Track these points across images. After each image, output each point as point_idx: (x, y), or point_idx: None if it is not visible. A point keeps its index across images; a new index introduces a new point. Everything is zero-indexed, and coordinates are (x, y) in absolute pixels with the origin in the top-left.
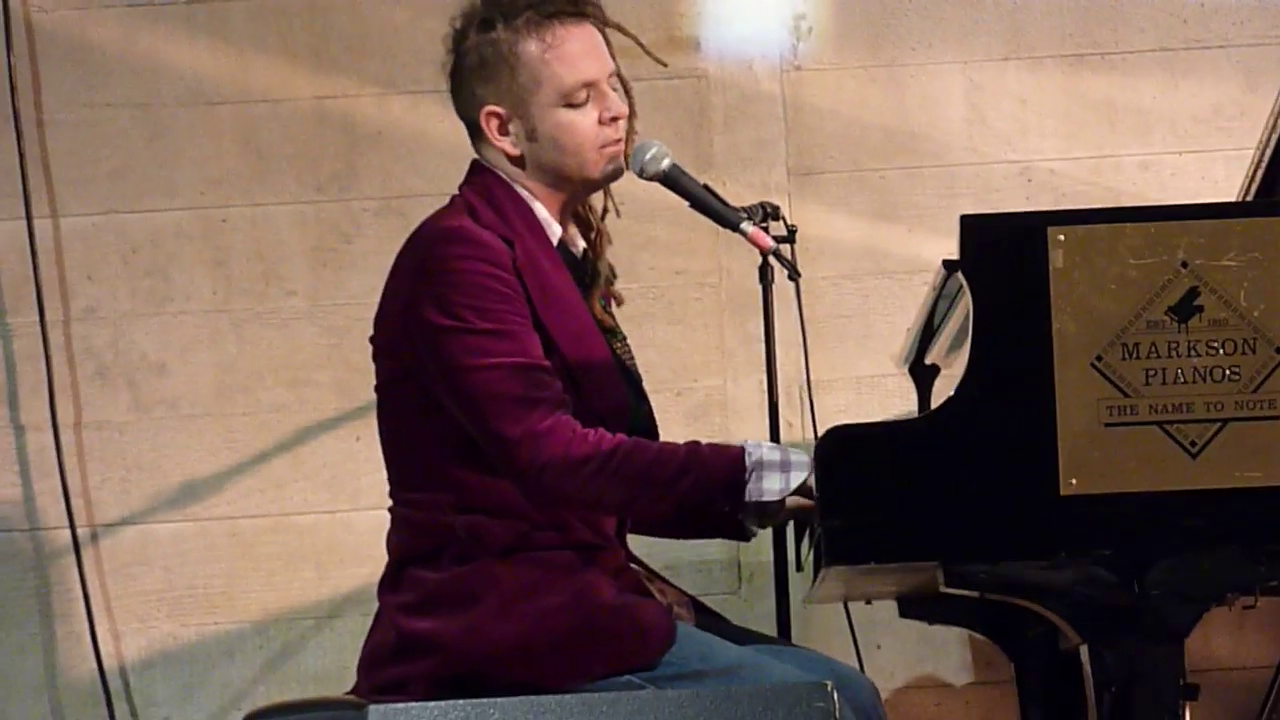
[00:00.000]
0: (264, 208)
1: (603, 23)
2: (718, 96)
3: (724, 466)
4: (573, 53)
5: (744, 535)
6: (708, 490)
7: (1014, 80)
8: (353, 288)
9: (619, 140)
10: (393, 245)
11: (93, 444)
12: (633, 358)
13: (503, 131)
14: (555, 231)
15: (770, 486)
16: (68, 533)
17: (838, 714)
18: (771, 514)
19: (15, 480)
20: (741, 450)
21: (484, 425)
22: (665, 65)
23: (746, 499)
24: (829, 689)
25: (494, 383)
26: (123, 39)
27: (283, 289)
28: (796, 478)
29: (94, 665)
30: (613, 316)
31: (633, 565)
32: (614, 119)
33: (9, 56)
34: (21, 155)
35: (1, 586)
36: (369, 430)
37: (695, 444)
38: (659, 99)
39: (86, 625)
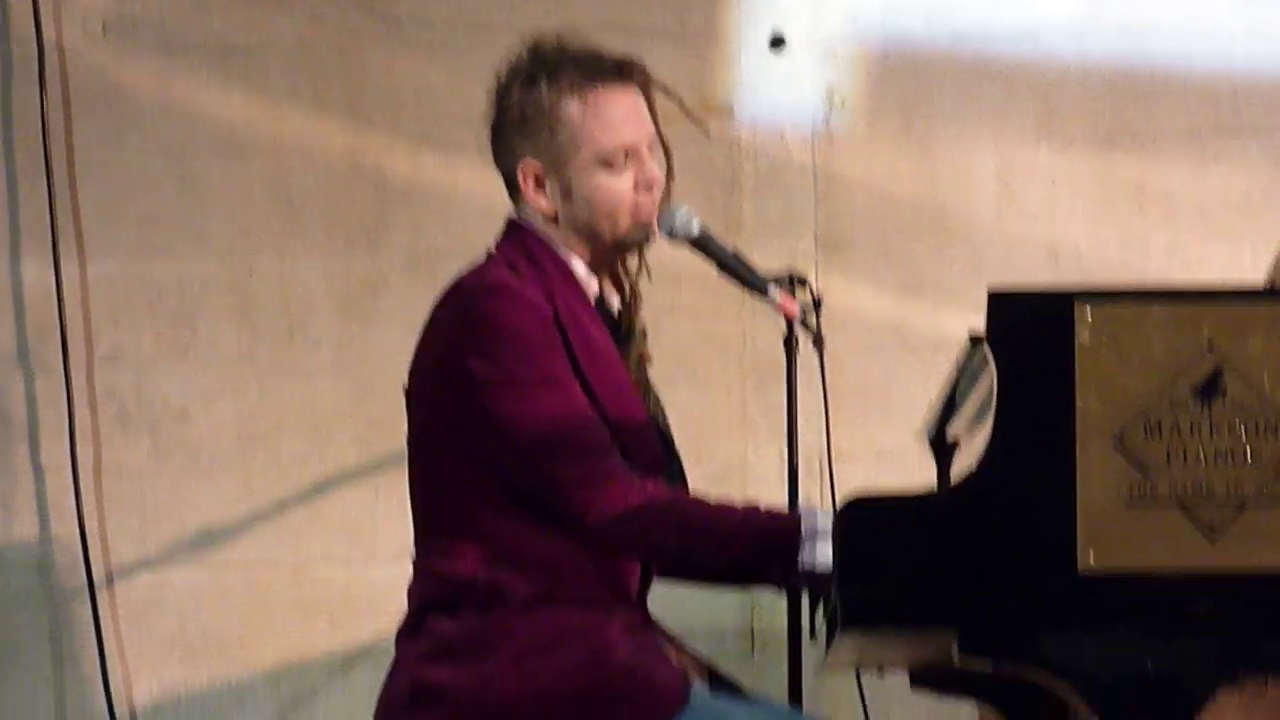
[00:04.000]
0: (292, 259)
1: (647, 85)
2: (749, 164)
3: (780, 532)
4: (614, 116)
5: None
6: (762, 553)
7: (1045, 160)
8: (377, 342)
9: (652, 204)
10: (420, 301)
11: (112, 488)
12: (665, 417)
13: (539, 188)
14: (592, 288)
15: (825, 556)
16: (83, 576)
17: None
18: (823, 582)
19: (33, 522)
20: (798, 517)
21: (540, 472)
22: (708, 132)
23: (800, 567)
24: None
25: (549, 431)
26: (157, 86)
27: (308, 340)
28: None
29: (105, 709)
30: (645, 375)
31: (650, 627)
32: (649, 185)
33: (42, 100)
34: (51, 199)
35: (16, 628)
36: (388, 484)
37: (753, 507)
38: (690, 164)
39: (99, 669)
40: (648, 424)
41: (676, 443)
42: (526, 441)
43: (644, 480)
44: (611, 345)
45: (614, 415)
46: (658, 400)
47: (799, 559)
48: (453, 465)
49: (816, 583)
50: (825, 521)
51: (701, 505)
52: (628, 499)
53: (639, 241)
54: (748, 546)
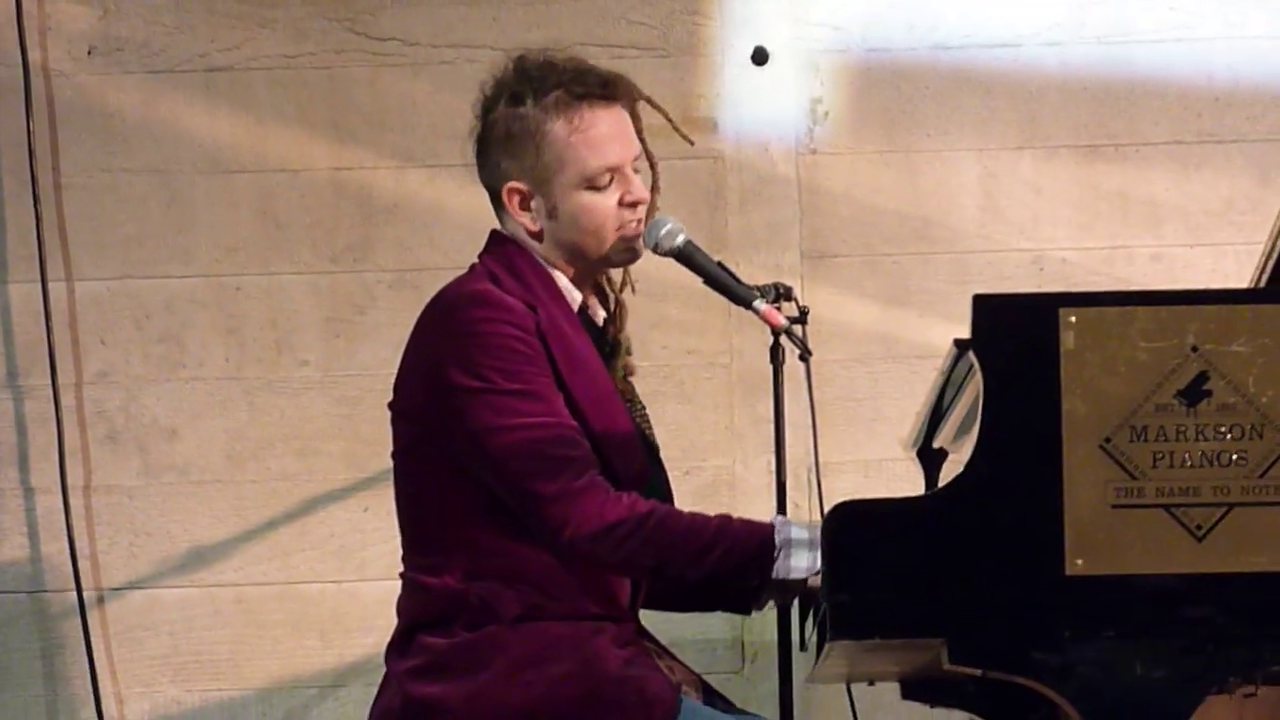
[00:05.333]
0: (279, 277)
1: (634, 100)
2: (733, 178)
3: (755, 541)
4: (599, 136)
5: (746, 609)
6: (738, 563)
7: (1028, 169)
8: (365, 359)
9: (638, 222)
10: (406, 318)
11: (101, 508)
12: (651, 427)
13: (524, 206)
14: (576, 298)
15: (799, 564)
16: (74, 595)
17: None
18: (792, 591)
19: (23, 542)
20: (771, 527)
21: (516, 485)
22: (693, 143)
23: (775, 575)
24: None
25: (525, 444)
26: (141, 105)
27: (295, 358)
28: None
29: None
30: (631, 387)
31: (642, 639)
32: (634, 204)
33: (28, 120)
34: (38, 218)
35: (7, 648)
36: (377, 501)
37: (726, 517)
38: (675, 179)
39: (91, 688)
40: (632, 435)
41: (664, 455)
42: (503, 454)
43: (619, 493)
44: (596, 356)
45: (597, 426)
46: (643, 413)
47: (774, 568)
48: (438, 479)
49: (786, 591)
50: (799, 531)
51: (677, 516)
52: (603, 513)
53: (625, 260)
54: (722, 556)
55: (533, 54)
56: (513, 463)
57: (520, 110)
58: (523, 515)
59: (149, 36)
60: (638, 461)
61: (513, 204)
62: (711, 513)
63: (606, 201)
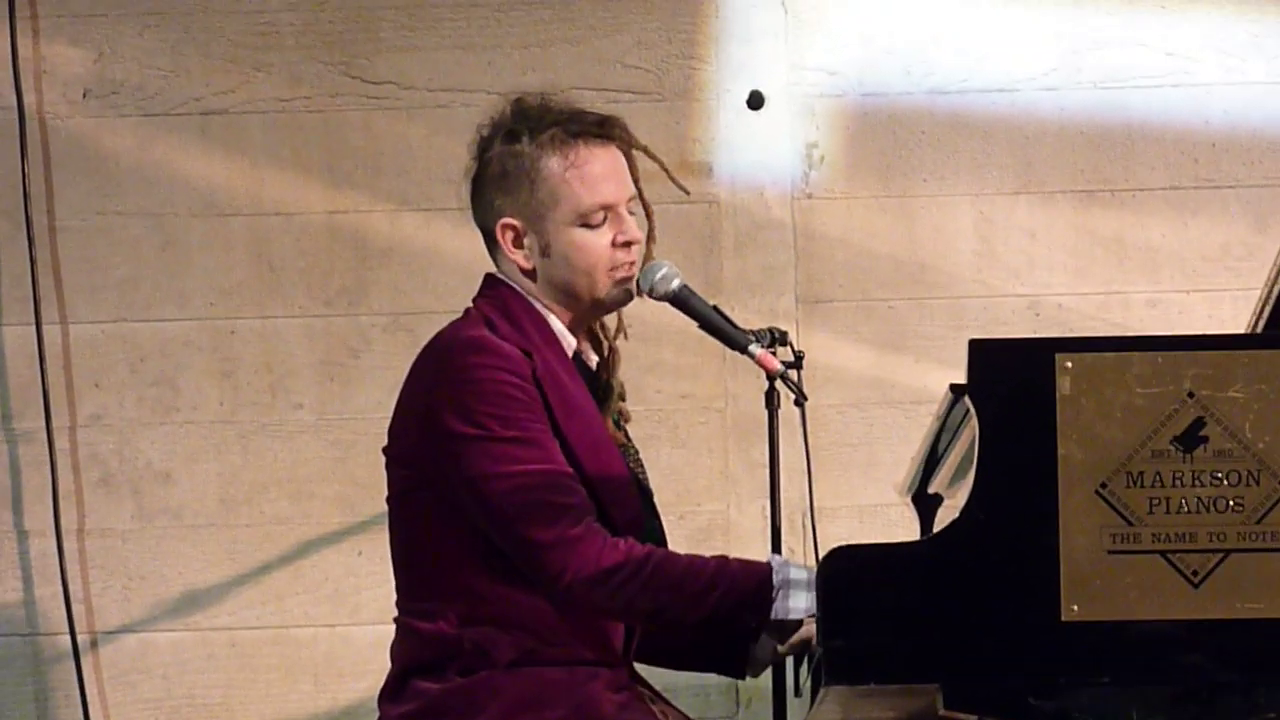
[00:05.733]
0: (273, 320)
1: (628, 145)
2: (729, 222)
3: (752, 583)
4: (594, 174)
5: (741, 672)
6: (735, 606)
7: (1024, 214)
8: (359, 402)
9: (631, 264)
10: (401, 361)
11: (95, 551)
12: (645, 472)
13: (517, 244)
14: (570, 343)
15: (796, 605)
16: (68, 639)
17: None
18: (790, 632)
19: (17, 585)
20: (769, 567)
21: (512, 532)
22: (688, 192)
23: (773, 616)
24: None
25: (522, 490)
26: (136, 148)
27: (290, 402)
28: None
29: None
30: (625, 432)
31: (636, 685)
32: (627, 244)
33: (23, 163)
34: (33, 261)
35: (1, 691)
36: (371, 545)
37: (724, 558)
38: (670, 223)
39: None
40: (627, 481)
41: (658, 500)
42: (500, 501)
43: (616, 539)
44: (590, 401)
45: (592, 472)
46: (638, 458)
47: (772, 609)
48: (433, 524)
49: (784, 632)
50: (798, 572)
51: (674, 559)
52: (600, 559)
53: (618, 302)
54: (720, 599)
55: (530, 96)
56: (509, 510)
57: (516, 147)
58: (520, 562)
59: (144, 80)
60: (632, 508)
61: (506, 241)
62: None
63: (600, 240)
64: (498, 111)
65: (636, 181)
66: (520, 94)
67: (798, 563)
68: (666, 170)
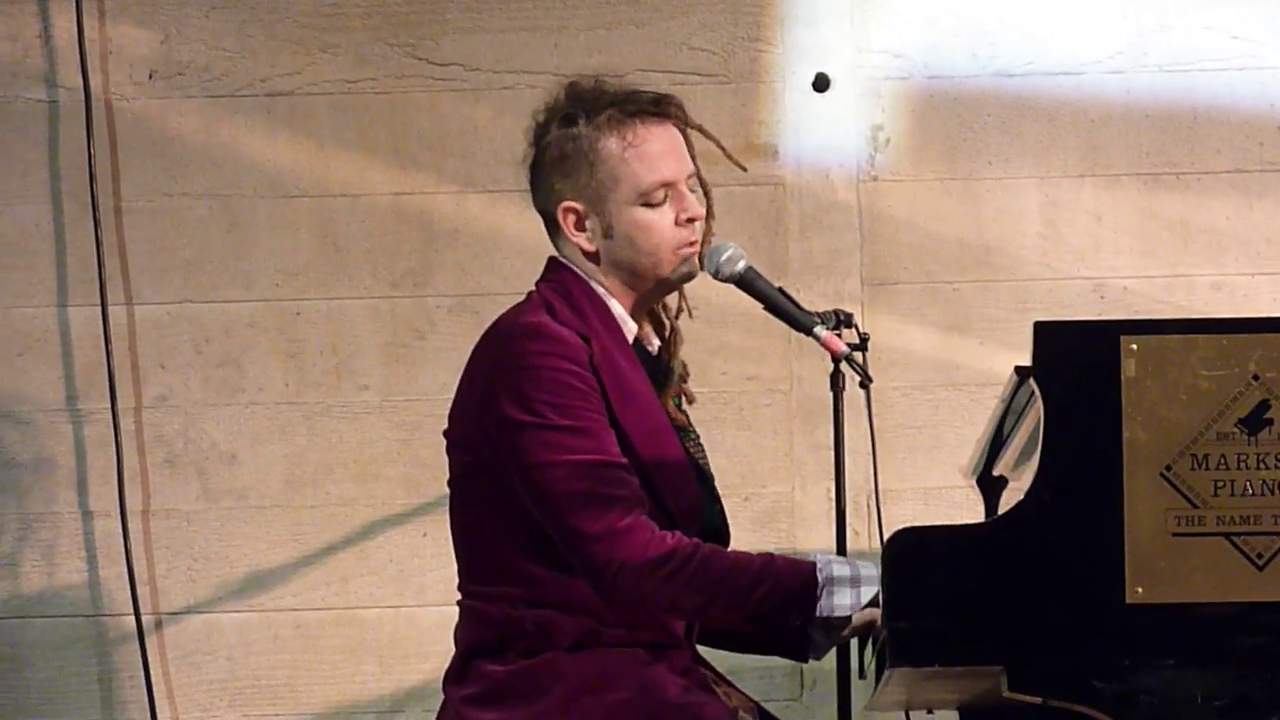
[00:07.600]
0: (339, 301)
1: (685, 124)
2: (794, 204)
3: (798, 580)
4: (653, 152)
5: (804, 656)
6: (780, 603)
7: (1089, 197)
8: (424, 384)
9: (694, 242)
10: (466, 343)
11: (160, 532)
12: (705, 457)
13: (579, 227)
14: (631, 329)
15: (841, 602)
16: (132, 620)
17: None
18: (838, 628)
19: (82, 566)
20: (814, 565)
21: (561, 521)
22: (745, 170)
23: (818, 614)
24: None
25: (572, 479)
26: (203, 130)
27: (355, 383)
28: (867, 593)
29: None
30: (686, 415)
31: (698, 666)
32: (690, 220)
33: (89, 144)
34: (99, 242)
35: (65, 672)
36: (436, 526)
37: (769, 555)
38: (735, 205)
39: (148, 713)
40: (685, 467)
41: (723, 482)
42: (551, 490)
43: (664, 533)
44: (649, 387)
45: (648, 459)
46: (698, 442)
47: (817, 606)
48: (493, 508)
49: (832, 629)
50: (841, 569)
51: (720, 556)
52: (646, 553)
53: (683, 279)
54: (765, 596)
55: (584, 79)
56: (560, 499)
57: (573, 130)
58: (567, 552)
59: (210, 61)
60: (690, 495)
61: (568, 225)
62: (771, 538)
63: (662, 219)
64: (552, 96)
65: (694, 158)
66: (574, 77)
67: (840, 558)
68: (723, 148)
